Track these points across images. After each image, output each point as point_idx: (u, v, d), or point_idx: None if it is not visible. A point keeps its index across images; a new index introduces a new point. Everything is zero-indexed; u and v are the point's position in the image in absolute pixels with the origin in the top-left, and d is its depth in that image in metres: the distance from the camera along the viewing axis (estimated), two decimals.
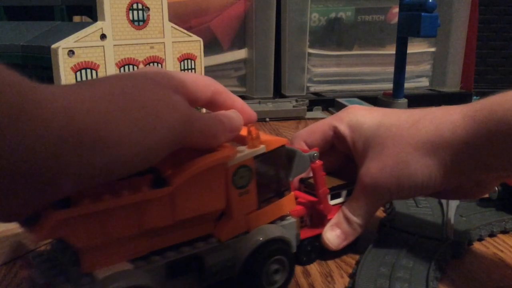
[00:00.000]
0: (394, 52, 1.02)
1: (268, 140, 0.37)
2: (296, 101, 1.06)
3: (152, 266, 0.32)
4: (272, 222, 0.38)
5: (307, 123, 0.99)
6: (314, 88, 1.22)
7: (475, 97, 1.29)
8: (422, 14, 0.91)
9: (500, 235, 0.48)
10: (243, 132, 0.36)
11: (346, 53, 1.23)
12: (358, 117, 0.44)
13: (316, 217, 0.43)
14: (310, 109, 1.07)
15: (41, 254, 0.33)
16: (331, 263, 0.43)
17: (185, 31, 0.84)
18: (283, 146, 0.38)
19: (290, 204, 0.40)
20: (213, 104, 0.38)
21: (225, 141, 0.34)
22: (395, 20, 1.14)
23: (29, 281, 0.32)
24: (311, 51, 1.20)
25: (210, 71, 1.11)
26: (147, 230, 0.31)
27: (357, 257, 0.44)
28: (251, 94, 1.18)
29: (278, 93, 1.21)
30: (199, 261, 0.34)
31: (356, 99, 1.09)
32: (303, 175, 0.44)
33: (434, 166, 0.39)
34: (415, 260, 0.40)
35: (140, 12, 0.76)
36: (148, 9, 0.77)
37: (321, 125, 0.46)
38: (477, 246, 0.46)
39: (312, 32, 1.19)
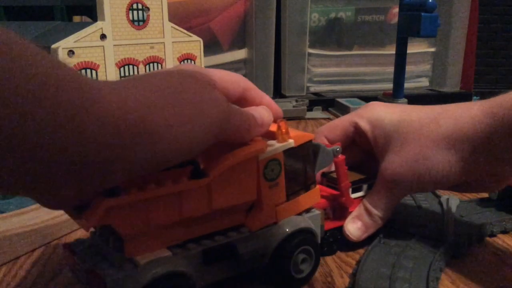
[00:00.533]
0: (394, 52, 1.02)
1: (295, 135, 0.38)
2: (296, 101, 1.06)
3: (189, 253, 0.34)
4: (298, 214, 0.40)
5: (307, 123, 0.99)
6: (314, 88, 1.22)
7: (475, 97, 1.29)
8: (422, 14, 0.91)
9: (500, 235, 0.48)
10: (271, 127, 0.38)
11: (346, 53, 1.23)
12: (378, 113, 0.45)
13: (338, 210, 0.44)
14: (310, 109, 1.07)
15: (82, 242, 0.35)
16: (331, 263, 0.43)
17: (185, 31, 0.84)
18: (310, 141, 0.39)
19: (316, 197, 0.41)
20: (243, 100, 0.39)
21: (256, 135, 0.36)
22: (395, 20, 1.14)
23: (71, 268, 0.34)
24: (311, 51, 1.20)
25: None
26: (185, 219, 0.33)
27: (357, 257, 0.44)
28: None
29: (278, 93, 1.20)
30: (232, 249, 0.35)
31: (356, 99, 1.09)
32: (325, 169, 0.45)
33: (454, 160, 0.40)
34: (415, 260, 0.40)
35: (140, 12, 0.76)
36: (148, 9, 0.77)
37: (342, 121, 0.47)
38: (477, 246, 0.46)
39: (312, 32, 1.19)
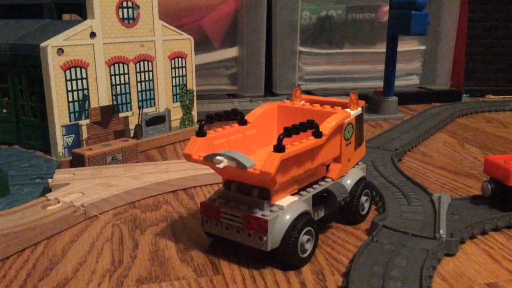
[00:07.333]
0: (384, 50, 1.02)
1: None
2: (287, 99, 1.06)
3: (305, 198, 0.44)
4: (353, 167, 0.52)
5: None
6: (305, 86, 1.22)
7: (464, 95, 1.29)
8: (412, 12, 0.91)
9: (491, 233, 0.48)
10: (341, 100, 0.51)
11: (337, 51, 1.23)
12: None
13: None
14: None
15: (214, 200, 0.43)
16: (322, 260, 0.43)
17: (175, 29, 0.84)
18: (363, 106, 0.51)
19: (364, 150, 0.53)
20: None
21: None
22: (386, 18, 1.15)
23: (216, 219, 0.43)
24: (302, 49, 1.20)
25: (201, 69, 1.11)
26: (304, 171, 0.42)
27: (348, 255, 0.44)
28: (242, 92, 1.18)
29: (269, 91, 1.20)
30: (330, 193, 0.46)
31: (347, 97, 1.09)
32: None
33: None
34: (408, 258, 0.40)
35: (130, 10, 0.75)
36: (138, 7, 0.76)
37: None
38: (469, 244, 0.46)
39: (303, 30, 1.19)
